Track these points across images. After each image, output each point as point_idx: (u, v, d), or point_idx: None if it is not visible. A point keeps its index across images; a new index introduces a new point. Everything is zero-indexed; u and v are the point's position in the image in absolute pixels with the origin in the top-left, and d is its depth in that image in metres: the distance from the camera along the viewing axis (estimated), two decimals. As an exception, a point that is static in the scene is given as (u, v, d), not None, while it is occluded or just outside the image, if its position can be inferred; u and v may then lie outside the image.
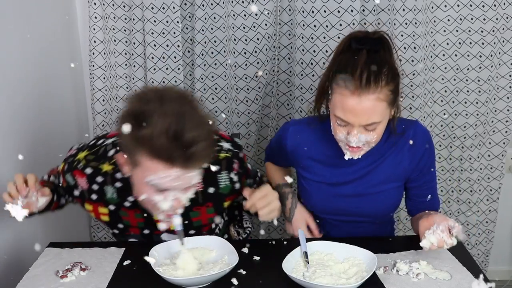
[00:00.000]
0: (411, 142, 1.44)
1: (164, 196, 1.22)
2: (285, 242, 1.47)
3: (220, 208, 1.49)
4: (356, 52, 1.29)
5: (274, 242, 1.48)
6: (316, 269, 1.29)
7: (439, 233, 1.27)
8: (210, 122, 1.21)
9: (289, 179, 1.44)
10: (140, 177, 1.22)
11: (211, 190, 1.43)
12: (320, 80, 1.40)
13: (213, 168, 1.35)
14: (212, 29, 2.12)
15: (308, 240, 1.40)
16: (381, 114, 1.29)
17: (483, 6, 2.09)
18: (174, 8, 2.03)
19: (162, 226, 1.32)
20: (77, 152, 1.44)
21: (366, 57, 1.28)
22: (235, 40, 2.10)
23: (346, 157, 1.39)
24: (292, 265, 1.30)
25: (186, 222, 1.43)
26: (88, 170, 1.39)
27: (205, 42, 2.12)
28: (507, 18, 2.11)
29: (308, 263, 1.31)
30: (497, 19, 2.10)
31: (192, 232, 1.46)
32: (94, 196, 1.42)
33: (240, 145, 1.54)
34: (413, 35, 2.05)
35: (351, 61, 1.29)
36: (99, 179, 1.39)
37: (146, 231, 1.47)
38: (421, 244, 1.30)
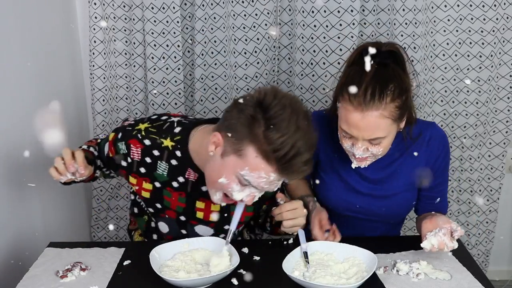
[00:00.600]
0: (415, 153, 1.44)
1: (243, 189, 1.23)
2: (285, 242, 1.46)
3: (259, 210, 1.51)
4: (366, 65, 1.28)
5: (274, 242, 1.48)
6: (316, 269, 1.29)
7: (441, 236, 1.28)
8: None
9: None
10: (233, 165, 1.20)
11: None
12: (335, 89, 1.39)
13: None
14: (212, 29, 2.12)
15: (308, 240, 1.40)
16: (386, 130, 1.30)
17: (483, 6, 2.09)
18: (174, 8, 2.03)
19: (214, 217, 1.32)
20: (136, 122, 1.43)
21: (374, 72, 1.27)
22: (235, 40, 2.10)
23: (353, 166, 1.40)
24: (292, 265, 1.30)
25: (226, 214, 1.45)
26: (147, 142, 1.38)
27: (205, 42, 2.12)
28: (507, 18, 2.11)
29: (308, 263, 1.31)
30: (497, 19, 2.10)
31: (226, 227, 1.46)
32: (142, 170, 1.40)
33: None
34: (413, 35, 2.05)
35: (357, 76, 1.29)
36: (156, 152, 1.38)
37: (182, 218, 1.46)
38: (422, 245, 1.30)
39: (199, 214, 1.45)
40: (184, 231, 1.47)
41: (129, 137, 1.39)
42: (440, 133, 1.48)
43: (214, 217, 1.45)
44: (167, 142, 1.38)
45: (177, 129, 1.39)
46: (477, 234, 2.40)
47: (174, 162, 1.39)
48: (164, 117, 1.44)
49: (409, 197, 1.52)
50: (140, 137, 1.39)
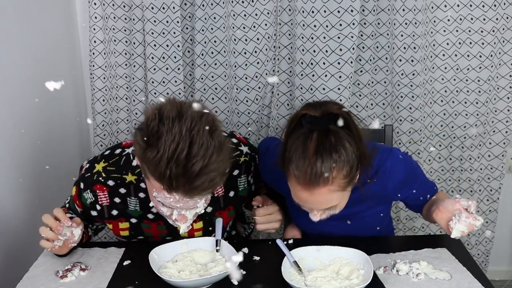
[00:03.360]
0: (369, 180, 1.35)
1: (170, 210, 1.21)
2: (284, 242, 1.46)
3: (239, 210, 1.52)
4: (307, 134, 1.20)
5: (274, 242, 1.48)
6: (315, 276, 1.27)
7: (465, 219, 1.24)
8: (227, 149, 1.14)
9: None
10: (149, 188, 1.21)
11: (231, 193, 1.44)
12: (279, 158, 1.28)
13: (235, 172, 1.41)
14: (212, 29, 2.12)
15: (290, 248, 1.37)
16: (338, 199, 1.25)
17: (483, 6, 2.09)
18: (174, 8, 2.03)
19: (182, 228, 1.27)
20: (91, 165, 1.39)
21: (316, 146, 1.18)
22: (235, 40, 2.10)
23: (312, 219, 1.32)
24: (288, 276, 1.26)
25: (210, 228, 1.45)
26: (111, 182, 1.36)
27: (205, 42, 2.12)
28: (507, 18, 2.11)
29: (301, 271, 1.29)
30: (497, 19, 2.10)
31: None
32: (114, 212, 1.39)
33: (256, 148, 1.53)
34: (413, 35, 2.05)
35: (299, 151, 1.19)
36: (122, 190, 1.36)
37: (168, 239, 1.45)
38: (453, 236, 1.26)
39: (184, 234, 1.43)
40: None
41: (91, 183, 1.36)
42: (401, 159, 1.39)
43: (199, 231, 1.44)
44: (130, 177, 1.36)
45: (135, 162, 1.35)
46: (477, 234, 2.40)
47: (142, 195, 1.38)
48: (117, 151, 1.40)
49: (379, 217, 1.49)
50: (102, 180, 1.36)
